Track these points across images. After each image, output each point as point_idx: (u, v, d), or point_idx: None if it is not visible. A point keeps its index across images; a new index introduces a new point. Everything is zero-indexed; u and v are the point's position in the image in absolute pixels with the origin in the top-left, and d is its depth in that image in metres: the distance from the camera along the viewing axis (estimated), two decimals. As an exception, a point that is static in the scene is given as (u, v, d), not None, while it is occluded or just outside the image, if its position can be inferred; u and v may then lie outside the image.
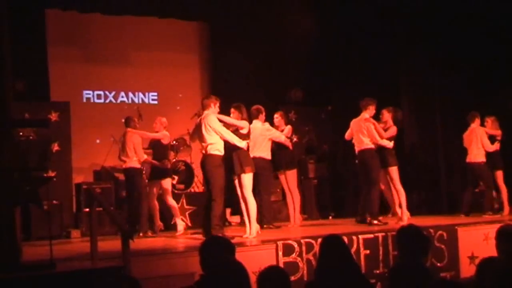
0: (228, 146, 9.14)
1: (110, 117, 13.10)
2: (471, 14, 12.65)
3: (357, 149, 10.84)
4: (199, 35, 14.58)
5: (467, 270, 8.96)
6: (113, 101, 13.72)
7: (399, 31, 13.50)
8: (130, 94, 13.86)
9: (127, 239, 6.77)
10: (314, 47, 13.99)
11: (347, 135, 11.07)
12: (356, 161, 11.12)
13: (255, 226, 9.31)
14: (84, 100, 13.45)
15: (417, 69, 13.50)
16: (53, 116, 11.68)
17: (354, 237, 8.57)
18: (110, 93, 13.70)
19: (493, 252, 5.56)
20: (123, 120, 11.06)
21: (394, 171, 10.76)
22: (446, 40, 13.01)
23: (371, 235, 8.76)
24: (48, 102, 12.24)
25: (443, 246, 9.12)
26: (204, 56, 14.61)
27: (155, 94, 14.08)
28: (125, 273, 6.37)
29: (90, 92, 13.50)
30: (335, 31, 13.97)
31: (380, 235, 8.77)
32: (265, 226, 10.47)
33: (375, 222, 10.35)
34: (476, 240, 9.36)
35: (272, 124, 11.23)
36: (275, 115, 11.38)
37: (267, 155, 10.69)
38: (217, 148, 9.03)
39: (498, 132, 11.87)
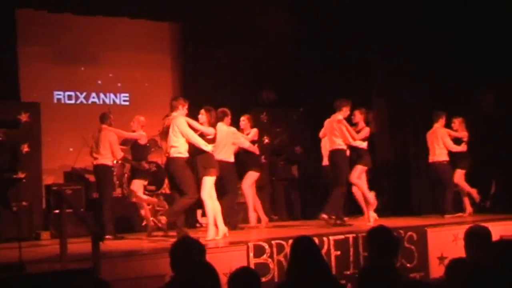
0: (193, 149, 9.14)
1: (81, 118, 13.00)
2: (444, 16, 12.74)
3: (328, 149, 10.87)
4: (171, 36, 14.55)
5: (437, 270, 9.02)
6: (84, 102, 13.65)
7: (373, 33, 13.53)
8: (101, 95, 13.79)
9: (97, 241, 6.73)
10: (286, 49, 14.00)
11: (321, 134, 11.14)
12: (322, 163, 11.15)
13: (222, 229, 9.31)
14: (55, 100, 13.36)
15: (390, 71, 13.56)
16: (23, 117, 11.56)
17: (325, 238, 8.61)
18: (81, 94, 13.62)
19: (462, 253, 5.58)
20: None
21: (359, 169, 10.81)
22: (420, 42, 13.09)
23: (342, 236, 8.79)
24: (18, 102, 12.14)
25: (413, 247, 9.19)
26: (176, 57, 14.58)
27: (127, 95, 14.02)
28: (95, 275, 6.32)
29: (61, 92, 13.42)
30: (308, 33, 13.99)
31: (350, 236, 8.81)
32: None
33: (338, 222, 10.40)
34: (445, 241, 9.44)
35: (238, 127, 11.20)
36: (242, 118, 11.33)
37: (230, 157, 10.60)
38: (179, 151, 9.05)
39: (464, 134, 11.88)
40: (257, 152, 11.24)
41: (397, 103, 13.49)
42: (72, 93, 13.53)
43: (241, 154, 11.04)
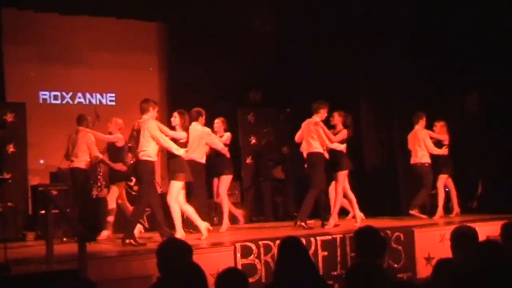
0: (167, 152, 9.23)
1: (67, 118, 12.88)
2: (431, 20, 12.75)
3: (306, 151, 10.78)
4: (158, 36, 14.49)
5: (424, 271, 9.01)
6: (70, 102, 13.58)
7: (360, 34, 13.51)
8: (88, 95, 13.72)
9: (84, 242, 6.68)
10: (273, 49, 13.97)
11: (297, 138, 11.01)
12: (305, 164, 11.08)
13: (203, 226, 9.34)
14: (41, 101, 13.28)
15: (377, 72, 13.53)
16: (9, 117, 11.50)
17: (312, 239, 8.59)
18: (67, 94, 13.55)
19: (449, 253, 5.57)
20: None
21: (342, 175, 10.74)
22: (407, 43, 13.10)
23: (329, 237, 8.78)
24: (4, 102, 12.07)
25: (400, 247, 9.17)
26: (163, 57, 14.52)
27: (113, 95, 13.95)
28: (81, 276, 6.27)
29: (47, 92, 13.35)
30: (295, 33, 13.96)
31: (338, 236, 8.80)
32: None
33: (303, 224, 10.24)
34: (432, 241, 9.43)
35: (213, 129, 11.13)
36: (216, 121, 11.16)
37: (202, 158, 10.51)
38: (148, 154, 9.06)
39: (445, 137, 11.81)
40: (228, 155, 11.06)
41: (385, 104, 13.48)
42: (58, 93, 13.46)
43: (212, 158, 10.95)
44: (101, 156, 10.65)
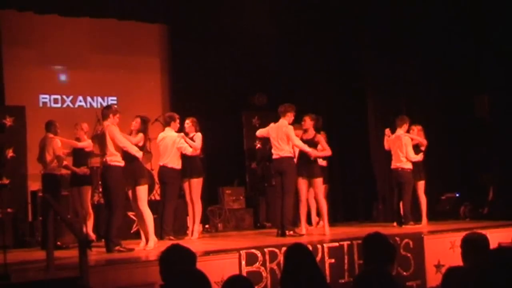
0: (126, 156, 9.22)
1: (67, 122, 12.74)
2: (439, 23, 12.69)
3: (275, 156, 10.46)
4: (160, 37, 14.37)
5: (433, 278, 8.88)
6: (71, 105, 13.45)
7: (366, 35, 13.43)
8: (89, 99, 13.60)
9: (85, 248, 6.56)
10: (278, 51, 13.88)
11: (259, 133, 10.84)
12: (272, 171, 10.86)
13: (153, 238, 9.27)
14: (41, 104, 13.17)
15: (384, 75, 13.44)
16: (8, 121, 11.47)
17: (319, 246, 8.49)
18: (67, 97, 13.43)
19: (460, 261, 5.49)
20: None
21: (319, 182, 10.56)
22: (415, 46, 13.07)
23: (336, 244, 8.67)
24: (3, 106, 11.97)
25: (409, 255, 9.05)
26: (165, 59, 14.40)
27: (114, 98, 13.81)
28: (82, 284, 6.20)
29: (47, 96, 13.23)
30: (301, 36, 13.87)
31: (345, 243, 8.68)
32: (165, 237, 10.15)
33: (291, 233, 10.10)
34: (443, 249, 9.29)
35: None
36: (186, 121, 10.92)
37: (177, 164, 10.44)
38: (117, 159, 9.09)
39: (423, 142, 11.70)
40: (201, 155, 10.83)
41: (392, 107, 13.33)
42: (58, 97, 13.34)
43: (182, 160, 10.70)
44: (65, 162, 10.47)
